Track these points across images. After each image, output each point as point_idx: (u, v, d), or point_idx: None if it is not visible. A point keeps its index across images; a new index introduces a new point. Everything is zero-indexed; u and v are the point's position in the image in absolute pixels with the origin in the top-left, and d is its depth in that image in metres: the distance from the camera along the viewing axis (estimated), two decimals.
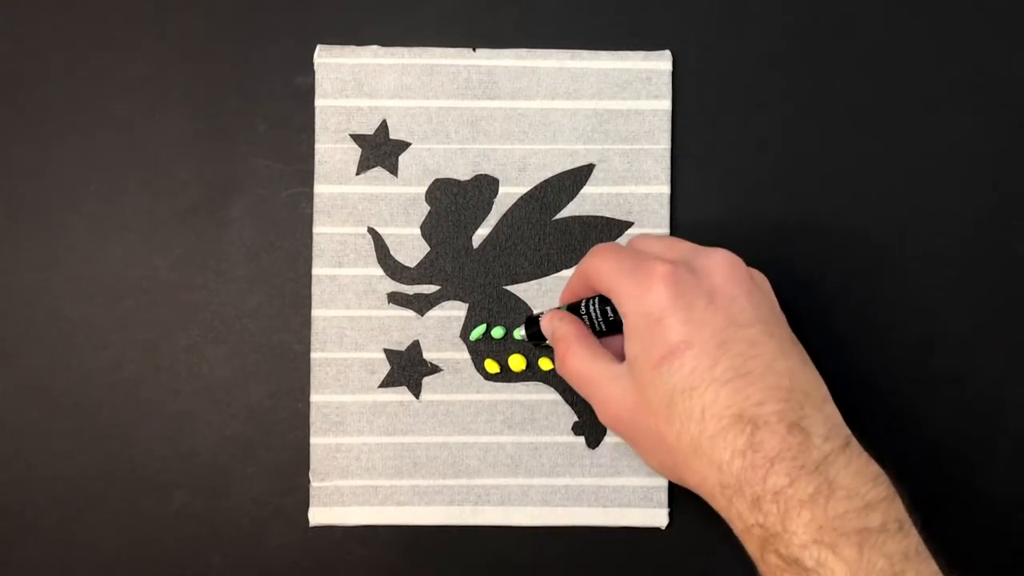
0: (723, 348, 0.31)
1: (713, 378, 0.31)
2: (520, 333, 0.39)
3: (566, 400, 0.40)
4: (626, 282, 0.33)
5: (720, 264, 0.33)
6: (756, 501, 0.30)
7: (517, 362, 0.40)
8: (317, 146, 0.41)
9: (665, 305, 0.32)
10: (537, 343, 0.39)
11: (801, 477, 0.29)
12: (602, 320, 0.36)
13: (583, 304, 0.37)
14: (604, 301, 0.36)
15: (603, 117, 0.41)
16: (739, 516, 0.31)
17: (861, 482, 0.30)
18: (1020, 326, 0.41)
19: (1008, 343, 0.41)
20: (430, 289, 0.41)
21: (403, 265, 0.41)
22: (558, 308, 0.38)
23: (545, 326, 0.37)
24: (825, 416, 0.31)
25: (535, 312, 0.40)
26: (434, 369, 0.40)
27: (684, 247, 0.34)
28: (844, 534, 0.29)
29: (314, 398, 0.40)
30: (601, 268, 0.34)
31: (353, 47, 0.41)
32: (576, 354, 0.35)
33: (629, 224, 0.41)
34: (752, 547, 0.31)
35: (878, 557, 0.28)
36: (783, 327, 0.33)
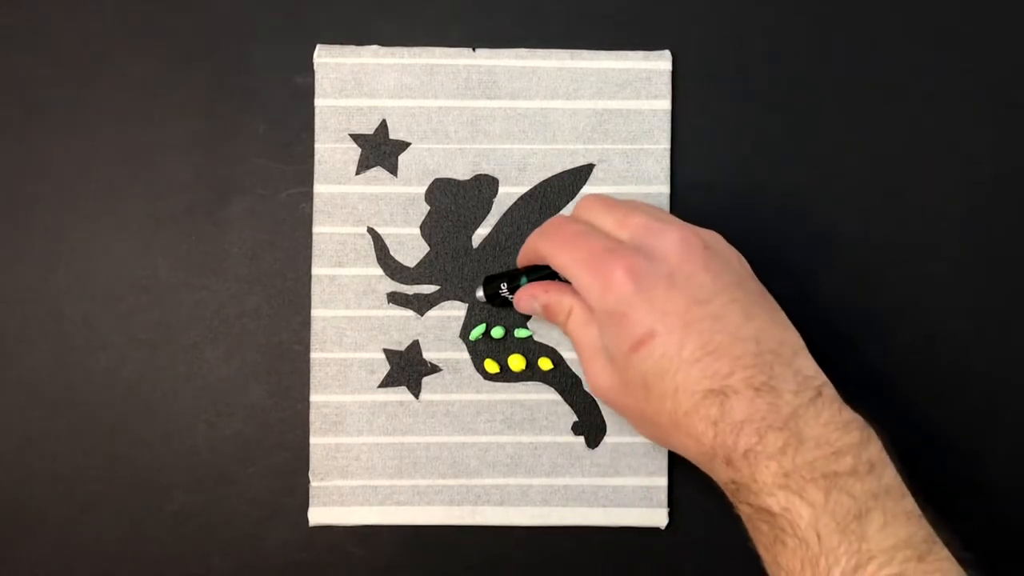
0: (688, 329, 0.32)
1: (682, 360, 0.32)
2: (480, 294, 0.40)
3: (566, 400, 0.40)
4: (586, 276, 0.33)
5: (674, 244, 0.33)
6: (729, 461, 0.31)
7: (517, 362, 0.40)
8: (317, 146, 0.41)
9: (627, 299, 0.32)
10: (494, 303, 0.40)
11: (769, 434, 0.30)
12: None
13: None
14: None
15: (603, 117, 0.41)
16: (717, 476, 0.33)
17: (831, 431, 0.30)
18: (1020, 326, 0.41)
19: (1009, 341, 0.41)
20: (430, 289, 0.41)
21: (403, 265, 0.41)
22: (528, 274, 0.38)
23: (530, 300, 0.37)
24: (795, 370, 0.32)
25: (489, 274, 0.40)
26: (434, 369, 0.40)
27: (636, 221, 0.34)
28: (811, 480, 0.30)
29: (314, 398, 0.40)
30: (558, 258, 0.35)
31: (353, 47, 0.41)
32: (574, 320, 0.36)
33: None
34: (731, 499, 0.33)
35: (844, 497, 0.29)
36: (745, 287, 0.33)
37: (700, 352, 0.31)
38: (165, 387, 0.40)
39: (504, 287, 0.39)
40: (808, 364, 0.32)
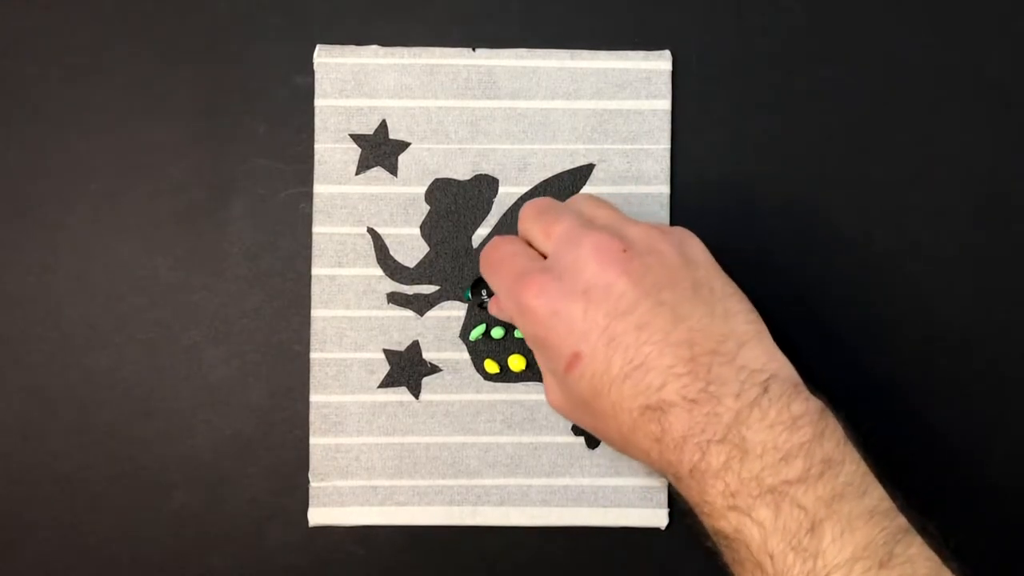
0: (612, 346, 0.30)
1: (612, 378, 0.30)
2: (469, 298, 0.40)
3: None
4: (509, 304, 0.33)
5: (589, 253, 0.31)
6: (678, 479, 0.30)
7: (517, 362, 0.40)
8: (317, 146, 0.41)
9: (544, 323, 0.31)
10: (480, 307, 0.40)
11: (710, 448, 0.28)
12: None
13: None
14: None
15: (603, 117, 0.41)
16: (675, 491, 0.32)
17: (778, 432, 0.28)
18: (1020, 324, 0.41)
19: (1009, 340, 0.41)
20: (429, 289, 0.41)
21: (403, 265, 0.41)
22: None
23: (498, 310, 0.38)
24: (739, 367, 0.29)
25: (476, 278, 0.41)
26: (434, 369, 0.40)
27: (558, 230, 0.33)
28: (759, 495, 0.27)
29: (313, 398, 0.40)
30: (491, 285, 0.35)
31: (353, 47, 0.41)
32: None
33: None
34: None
35: (795, 511, 0.27)
36: (677, 284, 0.31)
37: (629, 367, 0.29)
38: (165, 387, 0.40)
39: (484, 293, 0.40)
40: (756, 355, 0.30)
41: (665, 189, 0.41)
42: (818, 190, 0.41)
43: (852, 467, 0.28)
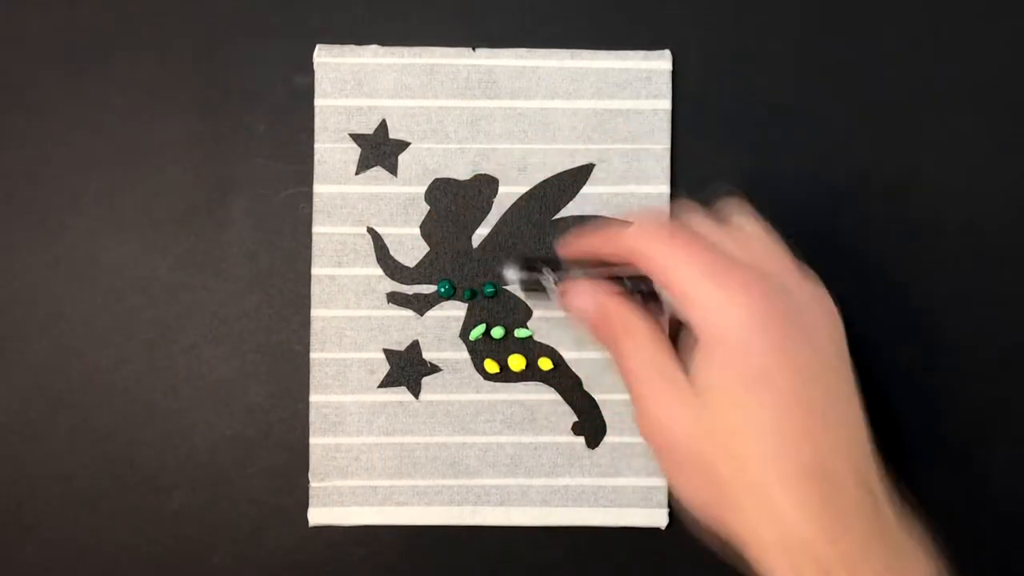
0: (808, 390, 0.28)
1: (793, 423, 0.27)
2: (513, 276, 0.36)
3: (566, 400, 0.40)
4: (709, 291, 0.28)
5: (816, 296, 0.30)
6: (822, 565, 0.26)
7: (517, 362, 0.40)
8: (316, 146, 0.41)
9: (755, 327, 0.28)
10: (527, 287, 0.36)
11: (875, 544, 0.27)
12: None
13: (613, 272, 0.33)
14: (638, 282, 0.32)
15: (603, 117, 0.41)
16: (769, 566, 0.28)
17: (922, 558, 0.27)
18: (1020, 322, 0.41)
19: (1009, 340, 0.41)
20: (430, 289, 0.41)
21: (402, 265, 0.41)
22: (589, 277, 0.33)
23: (586, 300, 0.32)
24: (881, 474, 0.28)
25: (529, 255, 0.37)
26: (433, 369, 0.40)
27: (766, 255, 0.30)
28: None
29: (313, 398, 0.40)
30: (674, 268, 0.29)
31: (353, 47, 0.41)
32: (639, 339, 0.31)
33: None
34: None
35: None
36: (852, 376, 0.30)
37: (810, 418, 0.27)
38: (165, 387, 0.40)
39: (550, 274, 0.34)
40: (883, 474, 0.29)
41: (665, 189, 0.41)
42: (818, 190, 0.41)
43: None
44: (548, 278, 0.34)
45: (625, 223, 0.32)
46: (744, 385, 0.27)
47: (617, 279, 0.33)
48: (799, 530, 0.26)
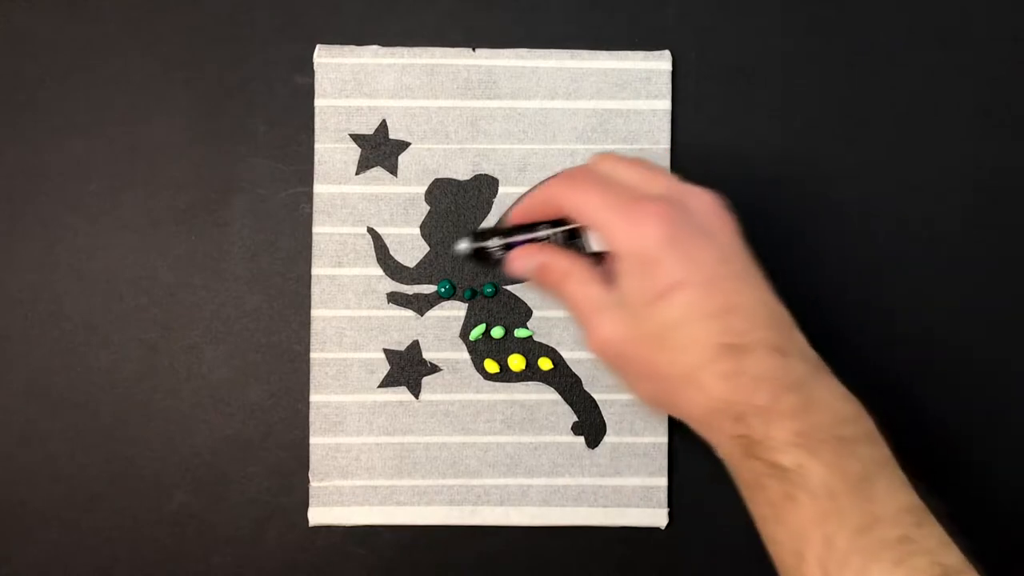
0: (714, 284, 0.32)
1: (704, 313, 0.32)
2: (464, 247, 0.36)
3: (566, 400, 0.40)
4: (617, 219, 0.33)
5: (708, 202, 0.34)
6: (741, 417, 0.32)
7: (517, 362, 0.40)
8: (317, 146, 0.41)
9: (661, 244, 0.32)
10: (477, 261, 0.37)
11: (782, 394, 0.31)
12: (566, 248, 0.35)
13: (545, 229, 0.36)
14: (569, 228, 0.35)
15: (603, 117, 0.41)
16: (723, 431, 0.33)
17: (835, 398, 0.32)
18: (1020, 322, 0.41)
19: (1010, 339, 0.41)
20: (430, 289, 0.41)
21: (403, 265, 0.41)
22: (521, 234, 0.36)
23: (526, 260, 0.36)
24: (798, 341, 0.33)
25: (480, 228, 0.39)
26: (434, 369, 0.40)
27: (660, 181, 0.35)
28: (822, 440, 0.31)
29: (313, 398, 0.40)
30: (585, 202, 0.34)
31: (353, 47, 0.41)
32: (575, 279, 0.35)
33: None
34: (735, 458, 0.33)
35: (853, 461, 0.31)
36: (754, 262, 0.35)
37: (722, 307, 0.32)
38: (165, 387, 0.40)
39: (497, 244, 0.36)
40: (803, 339, 0.34)
41: None
42: (818, 190, 0.41)
43: (887, 447, 0.32)
44: (496, 248, 0.36)
45: (550, 179, 0.36)
46: (662, 294, 0.32)
47: (549, 238, 0.36)
48: (719, 395, 0.32)
